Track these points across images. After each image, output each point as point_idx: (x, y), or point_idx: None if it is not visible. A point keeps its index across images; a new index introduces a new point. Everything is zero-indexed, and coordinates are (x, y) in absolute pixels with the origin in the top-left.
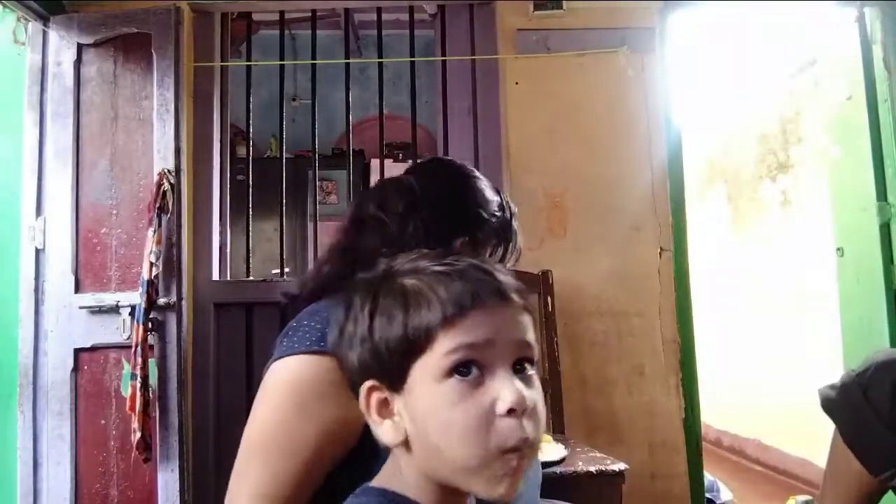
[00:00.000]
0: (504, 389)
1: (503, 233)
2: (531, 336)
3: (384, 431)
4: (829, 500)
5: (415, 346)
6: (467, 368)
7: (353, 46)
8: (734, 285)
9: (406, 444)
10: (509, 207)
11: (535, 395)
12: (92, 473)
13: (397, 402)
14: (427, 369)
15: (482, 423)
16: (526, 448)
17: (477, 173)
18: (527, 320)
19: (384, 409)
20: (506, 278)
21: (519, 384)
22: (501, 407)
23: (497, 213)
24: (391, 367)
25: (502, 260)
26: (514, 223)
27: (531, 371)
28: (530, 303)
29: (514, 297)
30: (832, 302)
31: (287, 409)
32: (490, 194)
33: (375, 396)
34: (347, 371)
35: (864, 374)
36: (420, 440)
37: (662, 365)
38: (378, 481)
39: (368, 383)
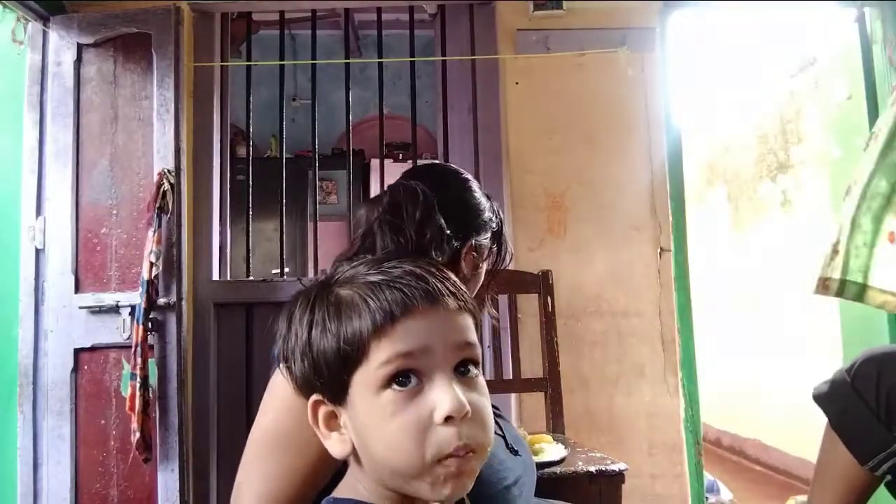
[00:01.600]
0: (442, 397)
1: (499, 237)
2: (471, 336)
3: (331, 444)
4: (819, 494)
5: (350, 357)
6: (405, 378)
7: (353, 46)
8: (734, 285)
9: (355, 455)
10: (499, 213)
11: (477, 398)
12: (92, 473)
13: (343, 415)
14: (365, 381)
15: (418, 433)
16: (464, 452)
17: (471, 177)
18: (465, 321)
19: (332, 421)
20: (439, 282)
21: (458, 390)
22: (438, 415)
23: (494, 219)
24: (331, 381)
25: (497, 264)
26: (504, 228)
27: (475, 372)
28: (470, 303)
29: (448, 299)
30: (832, 302)
31: (295, 410)
32: (485, 200)
33: (322, 410)
34: (293, 383)
35: (851, 367)
36: (364, 452)
37: (662, 365)
38: (340, 492)
39: (313, 398)
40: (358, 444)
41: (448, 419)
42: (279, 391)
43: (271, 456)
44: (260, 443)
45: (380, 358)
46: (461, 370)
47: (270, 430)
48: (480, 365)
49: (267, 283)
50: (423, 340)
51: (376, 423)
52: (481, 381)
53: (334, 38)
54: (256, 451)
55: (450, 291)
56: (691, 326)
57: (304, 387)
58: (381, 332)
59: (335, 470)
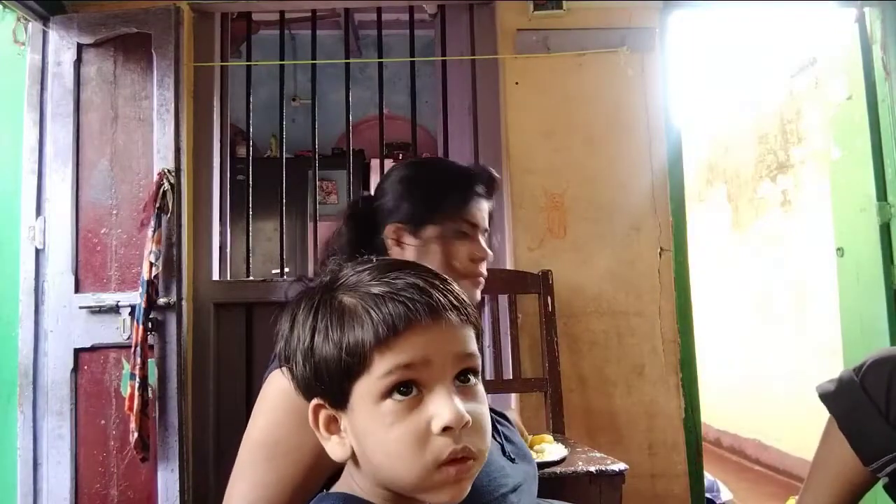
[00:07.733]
0: (441, 408)
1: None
2: (472, 347)
3: (331, 447)
4: (815, 488)
5: (351, 368)
6: (406, 388)
7: (353, 46)
8: (734, 285)
9: (354, 458)
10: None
11: (476, 406)
12: (92, 473)
13: (343, 420)
14: (366, 391)
15: (416, 442)
16: (463, 459)
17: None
18: (466, 333)
19: (332, 425)
20: (442, 295)
21: (457, 401)
22: (436, 426)
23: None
24: (332, 388)
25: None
26: (479, 186)
27: (475, 381)
28: (472, 316)
29: (450, 314)
30: (832, 302)
31: (288, 418)
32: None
33: (323, 414)
34: (294, 383)
35: (860, 368)
36: (364, 457)
37: (662, 365)
38: (337, 489)
39: (315, 401)
40: (358, 449)
41: (446, 429)
42: (273, 399)
43: (263, 463)
44: (252, 450)
45: (381, 369)
46: (461, 378)
47: (263, 437)
48: (480, 373)
49: (267, 283)
50: (424, 352)
51: (376, 432)
52: (480, 389)
53: (334, 38)
54: (248, 458)
55: (452, 305)
56: (691, 326)
57: (305, 390)
58: (383, 345)
59: (326, 479)
